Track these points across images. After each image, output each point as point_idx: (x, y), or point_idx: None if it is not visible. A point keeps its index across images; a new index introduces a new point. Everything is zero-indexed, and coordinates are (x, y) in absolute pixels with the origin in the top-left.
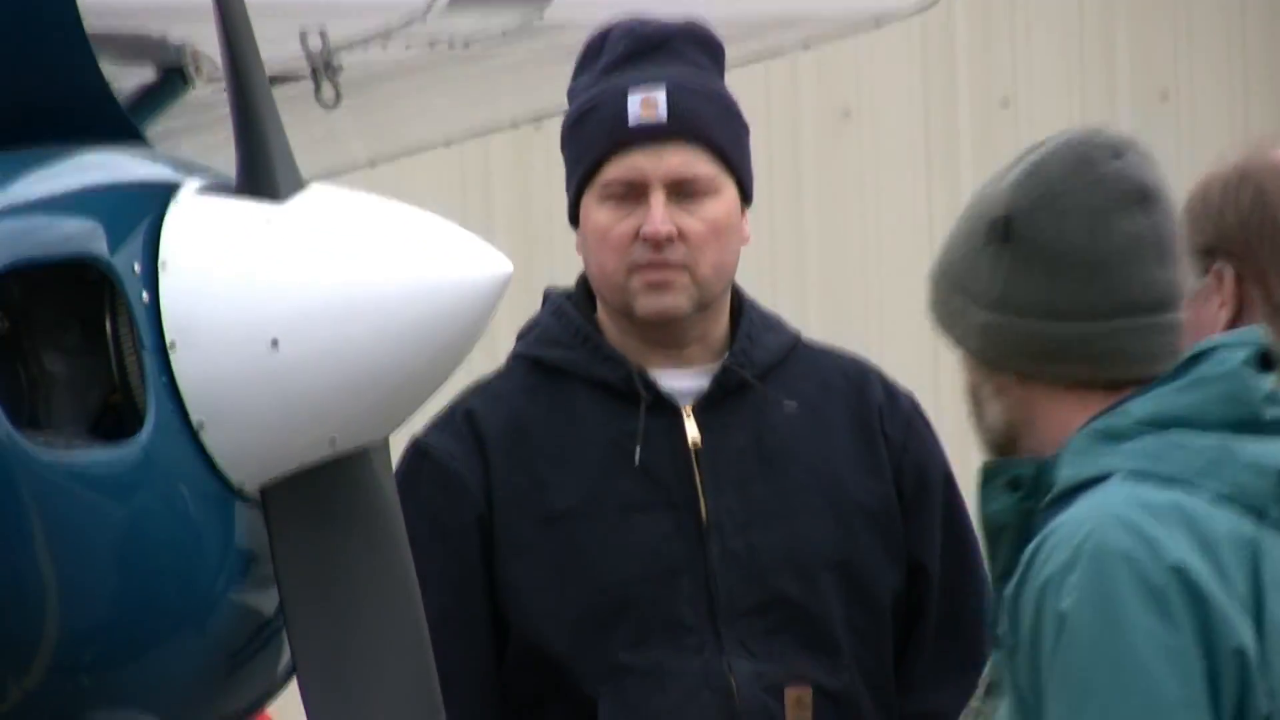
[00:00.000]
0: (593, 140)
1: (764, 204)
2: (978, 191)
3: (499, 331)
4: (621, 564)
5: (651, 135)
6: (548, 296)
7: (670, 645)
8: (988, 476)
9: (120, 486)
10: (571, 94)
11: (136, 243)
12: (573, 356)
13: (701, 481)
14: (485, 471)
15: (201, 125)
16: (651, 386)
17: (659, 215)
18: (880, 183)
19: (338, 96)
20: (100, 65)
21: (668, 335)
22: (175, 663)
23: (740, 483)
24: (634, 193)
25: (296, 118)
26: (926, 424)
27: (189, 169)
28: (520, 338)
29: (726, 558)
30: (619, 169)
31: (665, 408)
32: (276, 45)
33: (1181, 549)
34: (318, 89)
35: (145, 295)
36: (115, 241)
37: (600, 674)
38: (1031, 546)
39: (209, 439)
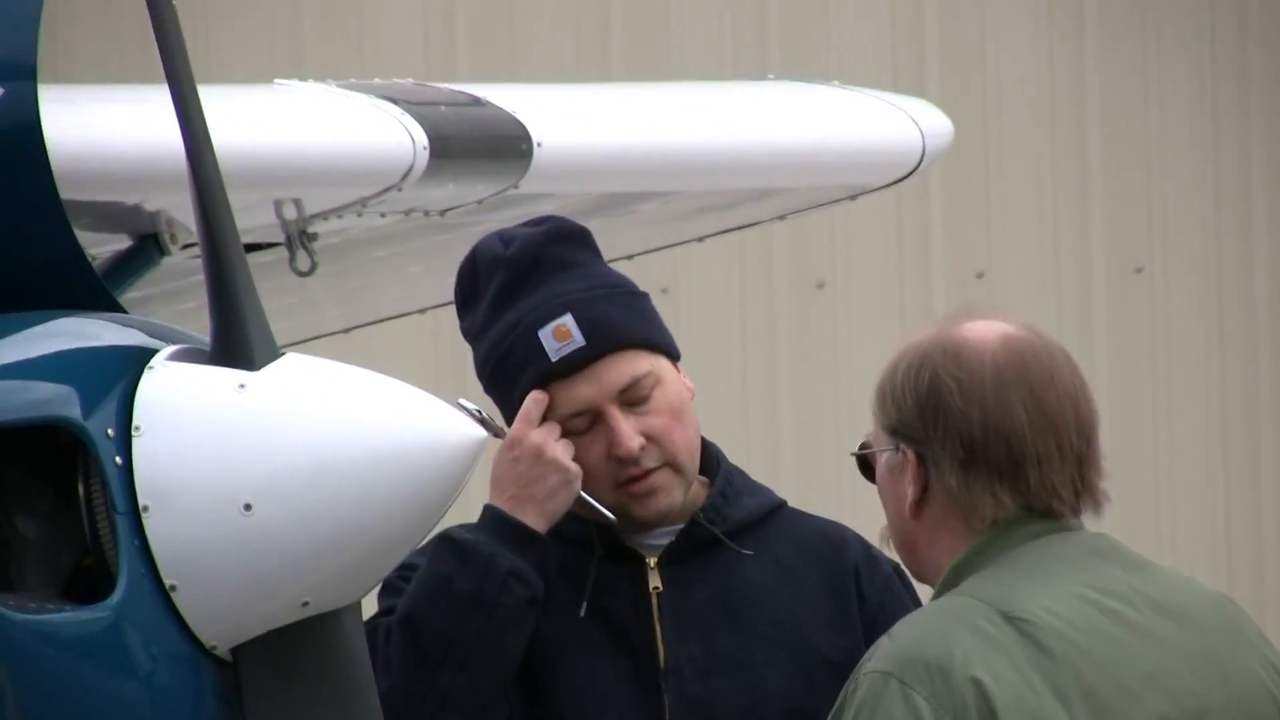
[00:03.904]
0: (525, 390)
1: (739, 374)
2: None
3: (473, 496)
4: (581, 703)
5: (579, 363)
6: None
7: None
8: None
9: (92, 648)
10: (467, 334)
11: (110, 407)
12: None
13: (661, 629)
14: None
15: (177, 292)
16: (610, 542)
17: (624, 434)
18: (854, 354)
19: (313, 264)
20: (76, 233)
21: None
22: None
23: (703, 632)
24: (590, 418)
25: (271, 285)
26: (908, 587)
27: (163, 335)
28: None
29: (683, 704)
30: (565, 405)
31: (630, 558)
32: (252, 214)
33: None
34: (293, 257)
35: (118, 459)
36: (89, 405)
37: None
38: None
39: (181, 601)
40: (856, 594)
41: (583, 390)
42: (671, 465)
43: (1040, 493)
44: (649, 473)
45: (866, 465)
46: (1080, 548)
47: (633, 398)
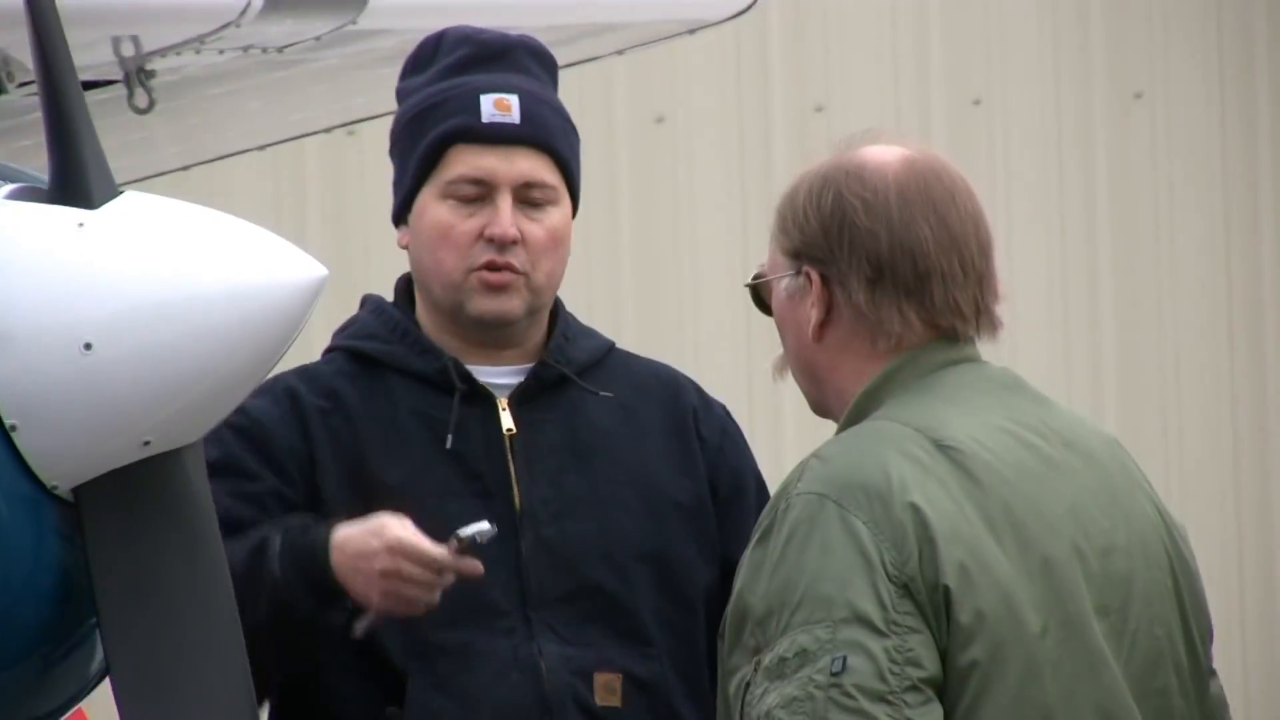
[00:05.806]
0: (439, 135)
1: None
2: None
3: (314, 335)
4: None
5: (504, 136)
6: (366, 300)
7: (481, 627)
8: None
9: None
10: (402, 94)
11: None
12: (390, 349)
13: (515, 471)
14: (306, 444)
15: (13, 130)
16: (467, 377)
17: (507, 218)
18: (694, 189)
19: (151, 102)
20: None
21: (492, 337)
22: None
23: (554, 473)
24: (481, 193)
25: (110, 123)
26: (738, 430)
27: (0, 174)
28: (337, 334)
29: (539, 546)
30: (467, 166)
31: (481, 398)
32: (89, 51)
33: None
34: (131, 94)
35: None
36: None
37: (410, 651)
38: None
39: (21, 440)
40: (696, 436)
41: (491, 161)
42: (528, 277)
43: (944, 310)
44: (508, 268)
45: (760, 297)
46: (991, 379)
47: (529, 199)
